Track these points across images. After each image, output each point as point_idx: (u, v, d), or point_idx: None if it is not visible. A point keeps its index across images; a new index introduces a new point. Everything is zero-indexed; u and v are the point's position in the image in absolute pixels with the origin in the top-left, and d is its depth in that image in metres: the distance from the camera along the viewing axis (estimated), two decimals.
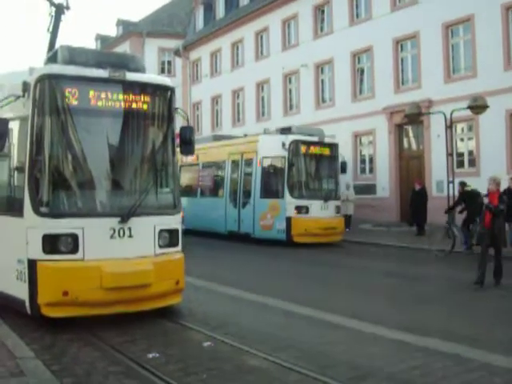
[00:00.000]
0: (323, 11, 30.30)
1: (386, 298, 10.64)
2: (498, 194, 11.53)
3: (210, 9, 40.03)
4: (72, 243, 7.70)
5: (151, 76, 9.30)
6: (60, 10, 10.39)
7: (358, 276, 13.37)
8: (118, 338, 7.41)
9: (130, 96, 8.37)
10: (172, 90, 8.92)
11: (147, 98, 8.53)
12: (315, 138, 20.05)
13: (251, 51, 35.20)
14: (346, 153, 27.71)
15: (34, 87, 7.90)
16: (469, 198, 16.44)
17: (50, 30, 10.47)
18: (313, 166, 20.20)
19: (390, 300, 10.47)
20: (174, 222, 8.75)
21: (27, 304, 7.73)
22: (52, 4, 10.43)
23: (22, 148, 8.08)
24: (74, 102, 7.97)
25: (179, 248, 8.82)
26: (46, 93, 7.89)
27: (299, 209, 19.10)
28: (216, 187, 23.08)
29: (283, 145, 19.27)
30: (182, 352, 6.95)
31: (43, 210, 7.74)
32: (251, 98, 35.32)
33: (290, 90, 32.72)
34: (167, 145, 8.78)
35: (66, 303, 7.57)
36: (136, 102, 8.42)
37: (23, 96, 8.01)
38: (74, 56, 8.26)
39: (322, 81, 30.48)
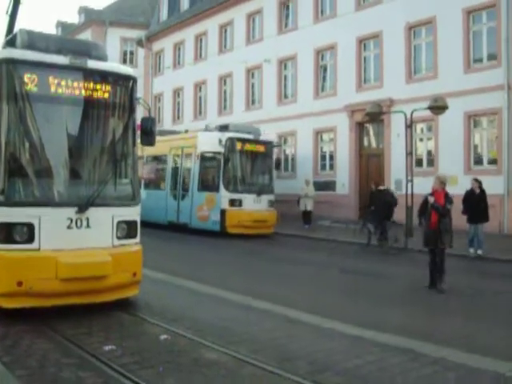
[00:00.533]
0: (288, 7, 30.34)
1: (342, 294, 10.74)
2: (443, 194, 11.13)
3: (174, 0, 39.70)
4: (27, 233, 7.52)
5: (113, 65, 9.13)
6: None
7: (316, 271, 13.45)
8: (73, 329, 7.28)
9: (91, 84, 8.18)
10: (134, 79, 8.77)
11: (108, 87, 8.35)
12: (250, 136, 21.35)
13: (215, 44, 35.04)
14: (306, 149, 27.99)
15: None
16: (378, 196, 18.42)
17: (9, 12, 10.20)
18: (247, 162, 21.44)
19: (342, 294, 10.58)
20: (132, 213, 8.60)
21: None
22: None
23: None
24: (33, 89, 7.75)
25: (137, 240, 8.68)
26: (4, 78, 7.67)
27: (233, 202, 20.40)
28: (158, 180, 24.20)
29: (220, 141, 20.45)
30: (139, 345, 6.86)
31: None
32: (213, 92, 35.17)
33: (253, 85, 32.70)
34: (127, 135, 8.64)
35: (20, 294, 7.40)
36: (97, 91, 8.24)
37: None
38: (34, 41, 8.04)
39: (285, 76, 30.53)
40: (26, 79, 7.69)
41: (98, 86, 8.26)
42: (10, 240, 7.47)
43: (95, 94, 8.24)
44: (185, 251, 17.34)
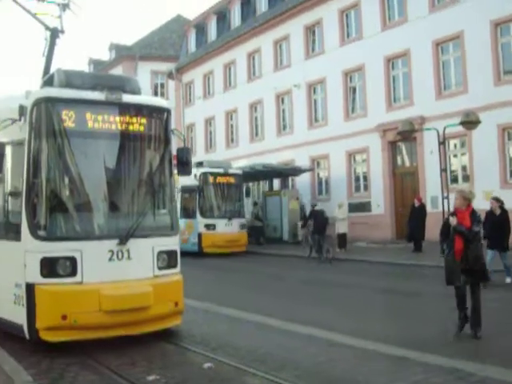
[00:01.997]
0: (314, 32, 30.57)
1: (387, 316, 10.62)
2: (469, 212, 8.52)
3: (202, 31, 40.33)
4: (70, 266, 7.61)
5: (147, 98, 9.33)
6: (55, 34, 10.38)
7: (355, 294, 13.34)
8: (117, 360, 7.35)
9: (127, 118, 8.35)
10: (168, 111, 8.92)
11: (144, 120, 8.51)
12: (221, 170, 24.73)
13: (243, 72, 35.42)
14: (340, 171, 27.96)
15: (31, 111, 7.86)
16: (315, 215, 21.97)
17: (45, 54, 10.46)
18: (219, 191, 24.66)
19: (388, 318, 10.45)
20: (172, 243, 8.68)
21: (25, 329, 7.63)
22: (47, 28, 10.43)
23: (18, 172, 7.99)
24: (71, 125, 7.92)
25: (178, 269, 8.74)
26: (43, 116, 7.85)
27: (208, 226, 23.78)
28: None
29: (195, 176, 23.10)
30: (182, 374, 6.90)
31: (41, 233, 7.68)
32: (244, 119, 35.48)
33: (283, 110, 32.89)
34: (164, 166, 8.74)
35: (64, 327, 7.46)
36: (133, 124, 8.39)
37: (20, 120, 7.93)
38: (71, 79, 8.23)
39: (315, 100, 30.66)
40: (64, 116, 7.87)
41: (134, 120, 8.41)
42: (53, 274, 7.56)
43: (131, 128, 8.38)
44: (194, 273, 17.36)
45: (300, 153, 30.29)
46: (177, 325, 8.76)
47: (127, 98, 8.40)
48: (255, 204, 27.48)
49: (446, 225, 8.86)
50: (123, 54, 47.10)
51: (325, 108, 29.70)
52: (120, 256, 7.91)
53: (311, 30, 30.72)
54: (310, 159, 29.95)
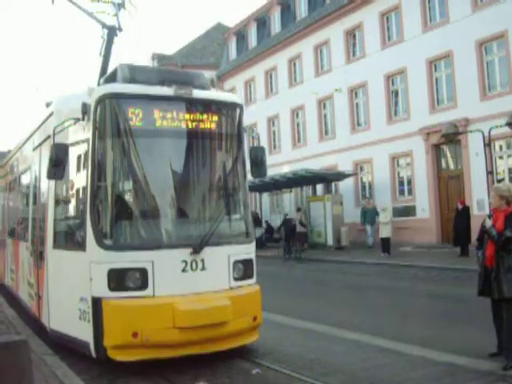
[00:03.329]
0: (354, 35, 30.49)
1: (434, 322, 10.53)
2: (505, 214, 7.12)
3: (242, 38, 40.62)
4: (140, 278, 6.99)
5: (219, 93, 8.81)
6: (112, 32, 9.55)
7: (400, 299, 13.25)
8: (168, 367, 7.30)
9: (198, 115, 7.68)
10: (241, 107, 8.24)
11: (216, 117, 7.82)
12: None
13: (285, 78, 35.52)
14: (383, 175, 27.77)
15: (95, 108, 7.29)
16: (285, 222, 26.49)
17: (102, 53, 9.60)
18: None
19: (434, 324, 10.36)
20: (248, 251, 8.01)
21: (92, 347, 7.10)
22: (104, 26, 9.68)
23: (82, 175, 7.48)
24: (138, 123, 7.29)
25: (254, 280, 8.09)
26: (108, 114, 7.28)
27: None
28: None
29: None
30: (231, 380, 6.95)
31: (108, 242, 7.07)
32: (286, 125, 35.56)
33: (325, 115, 32.84)
34: (238, 167, 8.06)
35: (135, 345, 6.85)
36: (204, 122, 7.72)
37: (83, 119, 7.36)
38: (135, 74, 7.61)
39: (357, 104, 30.54)
40: (130, 114, 7.27)
41: (205, 117, 7.74)
42: (121, 287, 6.97)
43: (202, 125, 7.71)
44: None
45: (343, 157, 30.20)
46: (254, 341, 8.12)
47: (197, 93, 7.77)
48: (299, 209, 27.37)
49: (481, 228, 7.41)
50: (165, 63, 47.68)
51: (367, 112, 29.56)
52: (194, 266, 7.26)
53: (351, 34, 30.63)
54: (352, 164, 29.83)
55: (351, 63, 30.30)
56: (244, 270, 7.86)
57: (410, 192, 27.13)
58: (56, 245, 8.19)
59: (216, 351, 7.38)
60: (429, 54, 25.57)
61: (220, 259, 7.55)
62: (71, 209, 8.05)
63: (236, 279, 7.72)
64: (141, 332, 6.77)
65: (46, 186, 8.49)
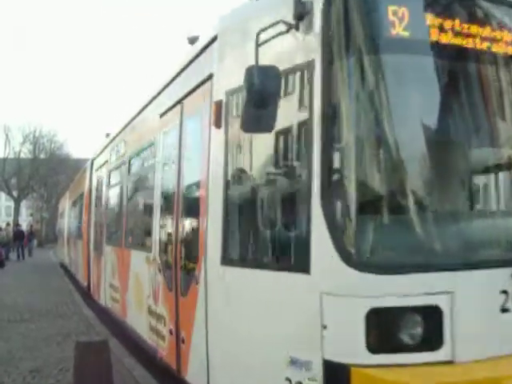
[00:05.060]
0: None
1: None
2: None
3: None
4: (428, 327, 3.55)
5: None
6: None
7: None
8: None
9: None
10: None
11: None
12: None
13: None
14: None
15: (324, 7, 3.77)
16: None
17: None
18: None
19: None
20: None
21: None
22: None
23: (293, 130, 4.12)
24: (408, 36, 3.74)
25: None
26: (352, 18, 3.77)
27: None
28: None
29: None
30: None
31: (363, 256, 3.63)
32: None
33: None
34: None
35: None
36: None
37: (296, 28, 3.88)
38: None
39: None
40: (392, 17, 3.73)
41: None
42: (392, 345, 3.54)
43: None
44: None
45: None
46: None
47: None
48: None
49: None
50: None
51: None
52: None
53: None
54: None
55: None
56: None
57: None
58: (228, 259, 4.62)
59: None
60: None
61: None
62: (267, 197, 4.32)
63: None
64: None
65: (201, 162, 5.22)
